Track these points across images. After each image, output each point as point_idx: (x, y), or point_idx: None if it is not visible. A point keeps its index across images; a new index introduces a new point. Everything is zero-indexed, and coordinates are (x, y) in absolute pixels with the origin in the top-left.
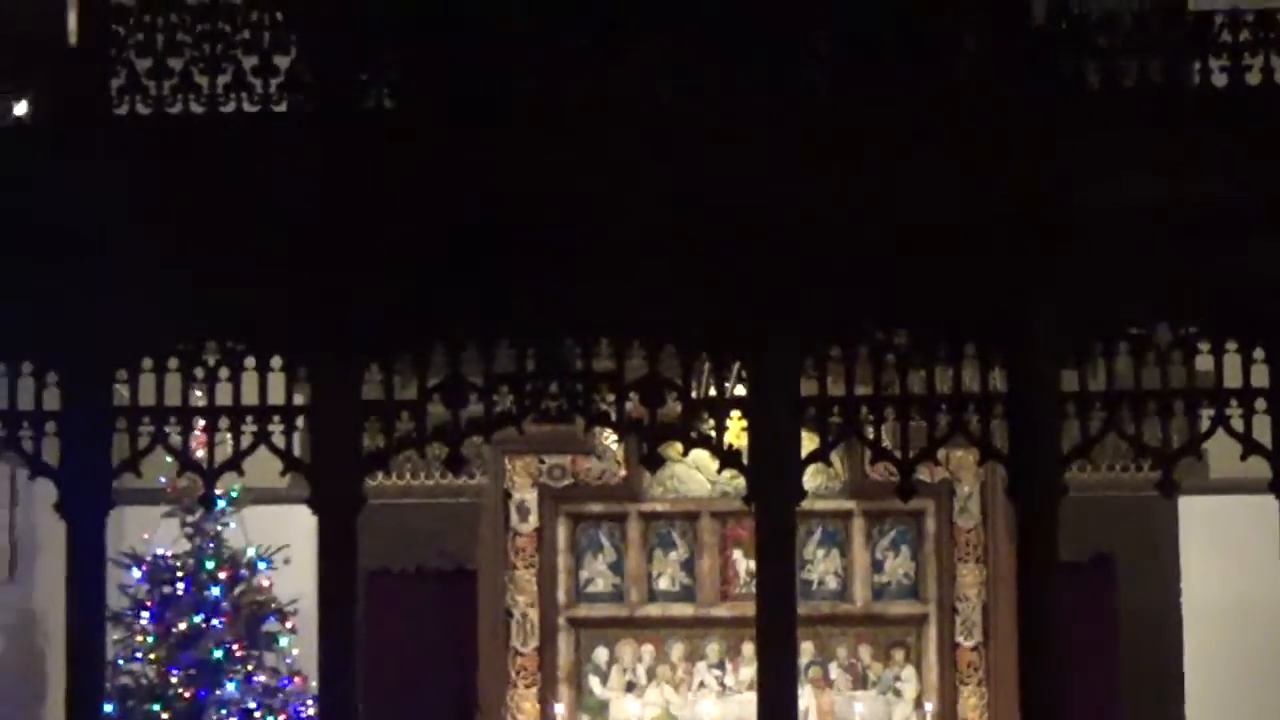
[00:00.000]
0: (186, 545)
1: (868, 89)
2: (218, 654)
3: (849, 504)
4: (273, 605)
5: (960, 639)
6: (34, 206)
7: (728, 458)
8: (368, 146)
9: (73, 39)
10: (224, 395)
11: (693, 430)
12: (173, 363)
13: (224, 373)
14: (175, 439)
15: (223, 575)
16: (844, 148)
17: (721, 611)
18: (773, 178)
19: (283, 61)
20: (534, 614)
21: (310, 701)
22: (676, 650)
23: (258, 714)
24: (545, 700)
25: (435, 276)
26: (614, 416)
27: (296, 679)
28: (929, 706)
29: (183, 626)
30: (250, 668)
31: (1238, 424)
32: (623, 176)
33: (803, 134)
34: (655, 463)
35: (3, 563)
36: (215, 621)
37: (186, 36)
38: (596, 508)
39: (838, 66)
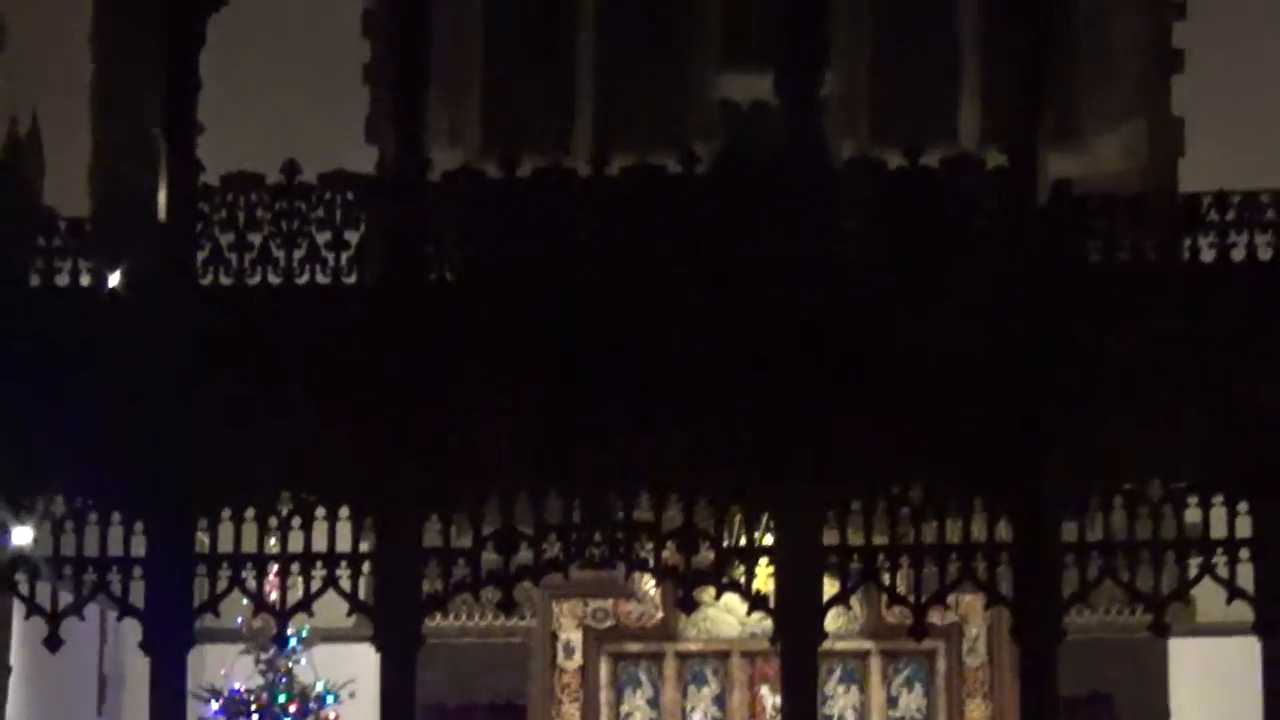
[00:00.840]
0: (260, 680)
1: (891, 261)
2: None
3: (867, 644)
4: None
5: None
6: (128, 369)
7: (756, 601)
8: (430, 315)
9: (163, 215)
10: (296, 542)
11: (724, 576)
12: (249, 513)
13: (296, 521)
14: (251, 583)
15: (293, 708)
16: (867, 316)
17: None
18: (799, 348)
19: (353, 236)
20: None
21: None
22: None
23: None
24: None
25: (490, 434)
26: (652, 563)
27: None
28: None
29: None
30: None
31: (1223, 571)
32: (659, 351)
33: (830, 303)
34: (690, 606)
35: (93, 696)
36: None
37: (265, 214)
38: (636, 647)
39: (863, 244)
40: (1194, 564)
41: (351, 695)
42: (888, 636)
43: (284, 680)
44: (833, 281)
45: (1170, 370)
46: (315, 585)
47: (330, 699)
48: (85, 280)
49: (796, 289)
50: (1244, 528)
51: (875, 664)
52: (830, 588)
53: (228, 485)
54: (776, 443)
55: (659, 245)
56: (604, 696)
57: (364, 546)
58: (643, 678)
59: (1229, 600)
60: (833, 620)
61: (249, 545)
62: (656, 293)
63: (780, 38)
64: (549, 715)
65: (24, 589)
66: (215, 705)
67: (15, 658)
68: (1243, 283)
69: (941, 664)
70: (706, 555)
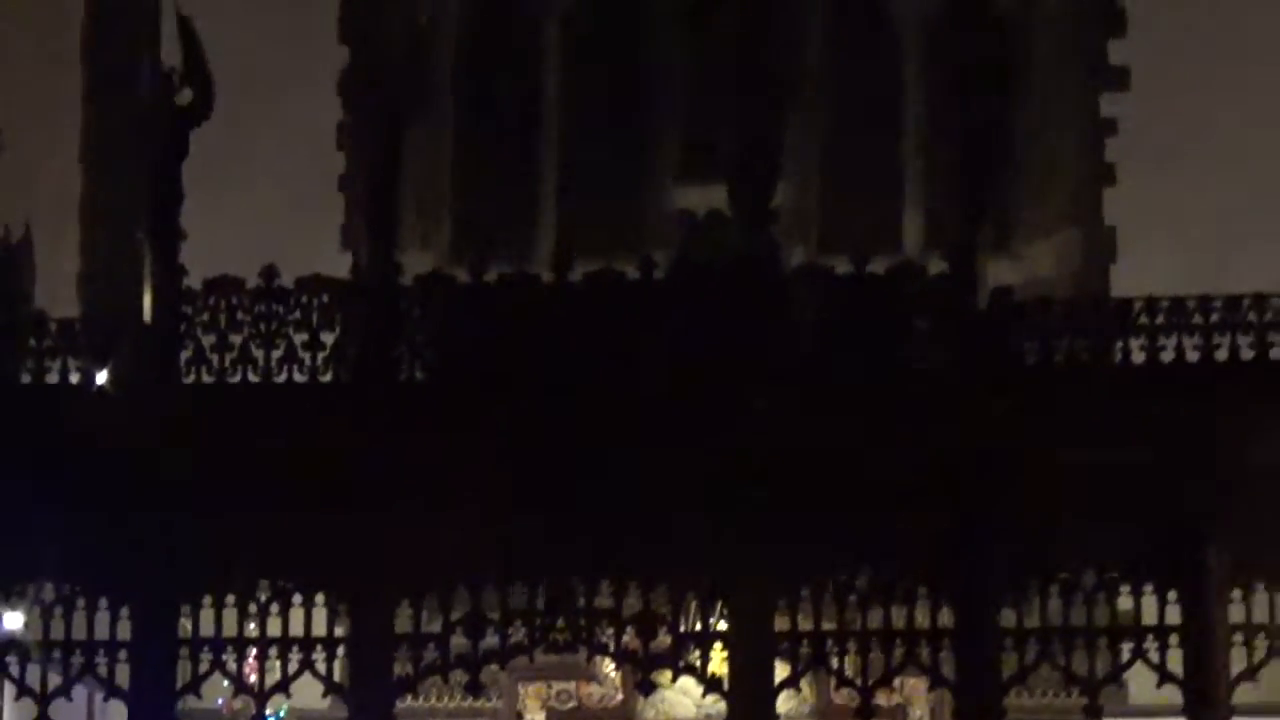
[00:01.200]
0: None
1: (839, 363)
2: None
3: None
4: None
5: None
6: (115, 463)
7: (711, 685)
8: (402, 413)
9: (148, 317)
10: (274, 627)
11: (681, 660)
12: (230, 599)
13: (274, 608)
14: (231, 665)
15: None
16: (814, 419)
17: None
18: (750, 450)
19: (329, 337)
20: None
21: None
22: None
23: None
24: None
25: (458, 524)
26: (613, 648)
27: None
28: None
29: None
30: None
31: (1154, 656)
32: (619, 448)
33: (780, 403)
34: (648, 689)
35: None
36: None
37: (245, 316)
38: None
39: (813, 347)
40: (1126, 649)
41: None
42: (836, 717)
43: None
44: (783, 383)
45: (1104, 466)
46: (292, 668)
47: None
48: (75, 378)
49: (748, 390)
50: (1173, 615)
51: None
52: (781, 671)
53: (209, 573)
54: (730, 535)
55: (619, 348)
56: None
57: (339, 631)
58: None
59: (1159, 684)
60: (784, 702)
61: (230, 630)
62: (616, 393)
63: (733, 156)
64: None
65: (14, 671)
66: None
67: None
68: (1172, 383)
69: None
70: (664, 640)
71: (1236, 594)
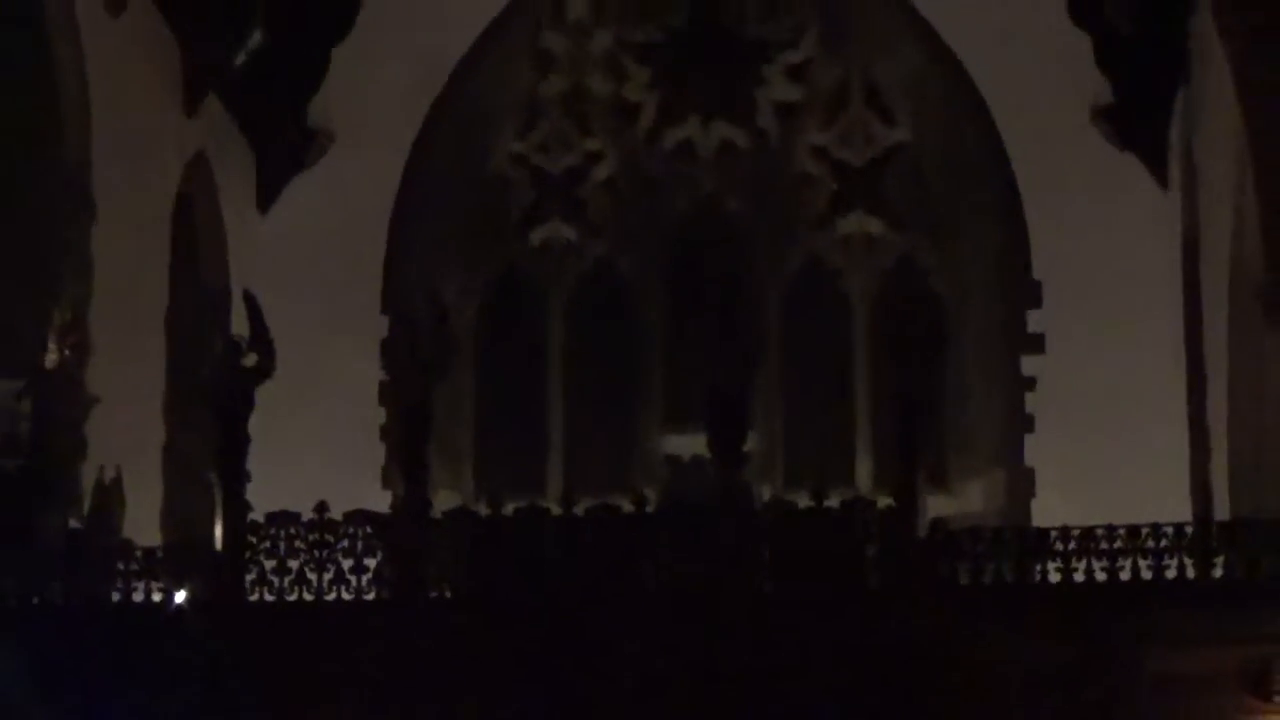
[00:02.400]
0: None
1: (801, 585)
2: None
3: None
4: None
5: None
6: (191, 669)
7: None
8: (432, 625)
9: (219, 545)
10: None
11: None
12: None
13: None
14: None
15: None
16: (782, 634)
17: None
18: (725, 657)
19: (371, 561)
20: None
21: None
22: None
23: None
24: None
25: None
26: None
27: None
28: None
29: None
30: None
31: None
32: (612, 653)
33: (749, 621)
34: None
35: None
36: None
37: (301, 544)
38: None
39: (777, 571)
40: None
41: None
42: None
43: None
44: (751, 605)
45: (1023, 669)
46: None
47: None
48: (156, 597)
49: (722, 610)
50: None
51: None
52: None
53: None
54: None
55: (615, 570)
56: None
57: None
58: None
59: None
60: None
61: None
62: (612, 608)
63: (711, 410)
64: None
65: None
66: None
67: None
68: (1082, 599)
69: None
70: None
71: None
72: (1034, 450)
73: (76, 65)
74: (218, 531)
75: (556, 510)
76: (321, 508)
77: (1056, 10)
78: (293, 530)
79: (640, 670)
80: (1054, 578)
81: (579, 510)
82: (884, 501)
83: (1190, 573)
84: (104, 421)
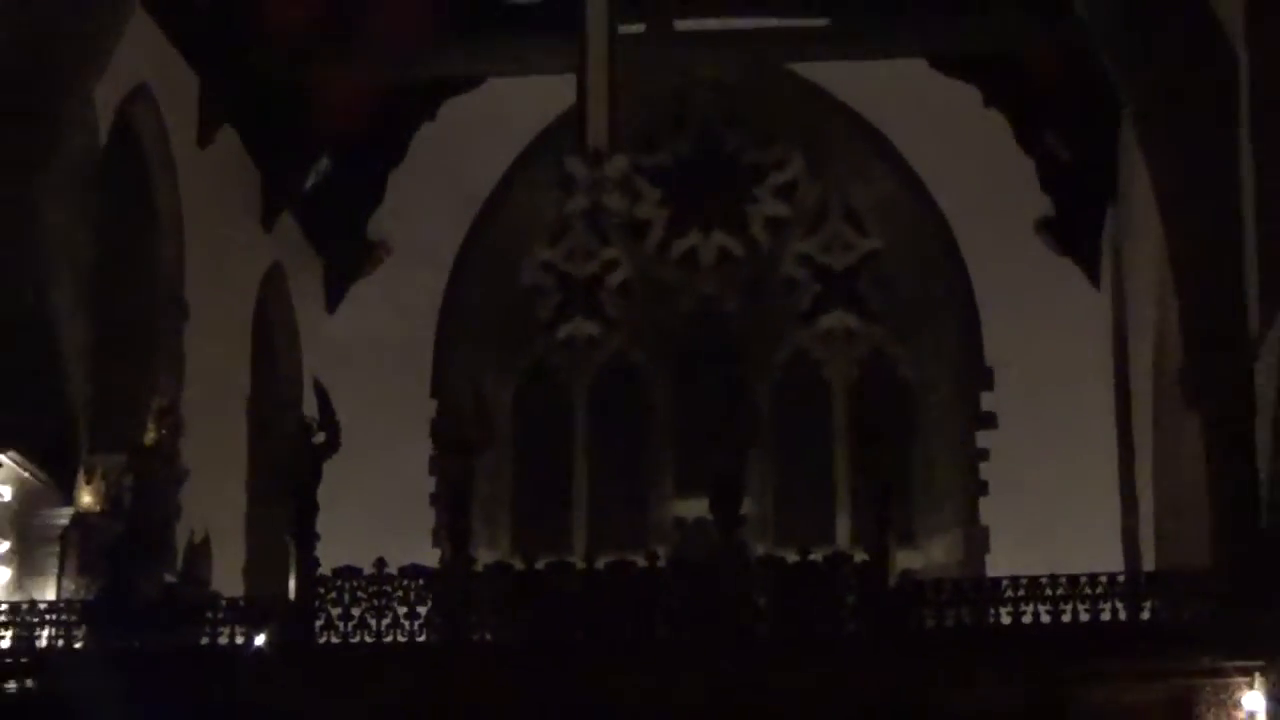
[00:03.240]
0: None
1: (790, 629)
2: None
3: None
4: None
5: None
6: (268, 699)
7: None
8: (474, 666)
9: (292, 595)
10: None
11: None
12: None
13: None
14: None
15: None
16: (775, 673)
17: None
18: (729, 690)
19: (423, 609)
20: None
21: None
22: None
23: None
24: None
25: None
26: None
27: None
28: None
29: None
30: None
31: None
32: (627, 692)
33: (745, 666)
34: None
35: None
36: None
37: (363, 594)
38: None
39: (771, 617)
40: None
41: None
42: None
43: None
44: (748, 647)
45: (979, 702)
46: None
47: None
48: (239, 640)
49: (722, 652)
50: None
51: None
52: None
53: None
54: None
55: (630, 616)
56: None
57: None
58: None
59: None
60: None
61: None
62: (627, 649)
63: (713, 481)
64: None
65: None
66: None
67: None
68: (1030, 640)
69: None
70: None
71: None
72: (988, 511)
73: (171, 189)
74: (291, 584)
75: (580, 565)
76: (380, 564)
77: (1004, 139)
78: (355, 583)
79: (651, 701)
80: (1005, 620)
81: (600, 565)
82: (860, 556)
83: (1122, 615)
84: (195, 491)
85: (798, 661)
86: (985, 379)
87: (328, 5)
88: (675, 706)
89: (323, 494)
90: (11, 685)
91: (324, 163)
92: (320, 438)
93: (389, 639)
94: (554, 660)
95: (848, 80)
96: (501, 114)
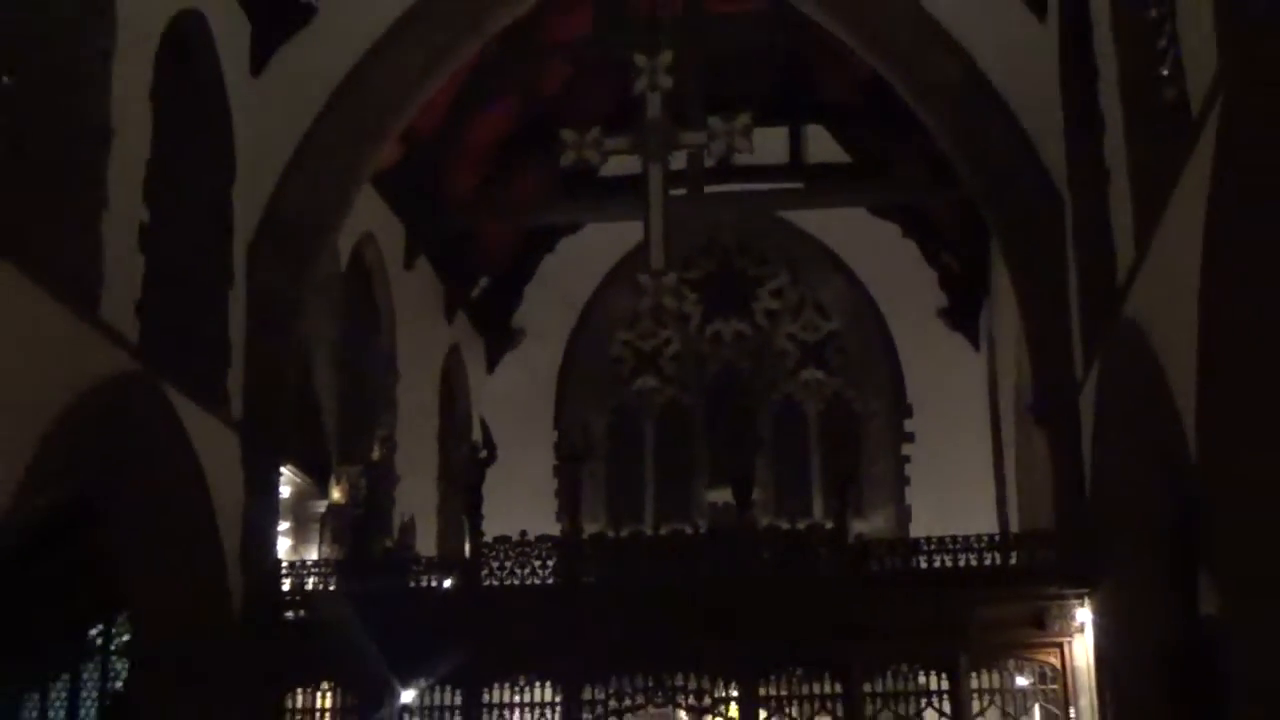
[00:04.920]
0: None
1: (780, 569)
2: None
3: None
4: None
5: None
6: (449, 625)
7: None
8: (583, 601)
9: (467, 554)
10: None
11: (713, 711)
12: (507, 685)
13: (527, 692)
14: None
15: None
16: (775, 602)
17: None
18: (743, 613)
19: (551, 563)
20: None
21: None
22: None
23: None
24: None
25: (609, 651)
26: (684, 704)
27: None
28: None
29: None
30: None
31: (936, 705)
32: (680, 620)
33: (755, 598)
34: None
35: None
36: None
37: (512, 554)
38: None
39: (773, 568)
40: (923, 701)
41: None
42: None
43: None
44: (757, 585)
45: (905, 620)
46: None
47: None
48: (433, 584)
49: (741, 588)
50: (945, 684)
51: None
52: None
53: (496, 674)
54: (733, 654)
55: (682, 565)
56: None
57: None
58: None
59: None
60: None
61: (508, 698)
62: (677, 582)
63: (734, 479)
64: None
65: None
66: None
67: None
68: (938, 580)
69: None
70: (706, 699)
71: (975, 675)
72: (910, 495)
73: (388, 296)
74: (466, 547)
75: (649, 532)
76: (522, 534)
77: (916, 257)
78: (506, 547)
79: (699, 614)
80: (923, 566)
81: (662, 532)
82: (829, 525)
83: (997, 561)
84: (404, 489)
85: (789, 593)
86: (907, 411)
87: (486, 179)
88: (709, 621)
89: (486, 489)
90: (290, 614)
91: (484, 280)
92: (483, 455)
93: (528, 583)
94: (632, 593)
95: (816, 222)
96: (596, 248)
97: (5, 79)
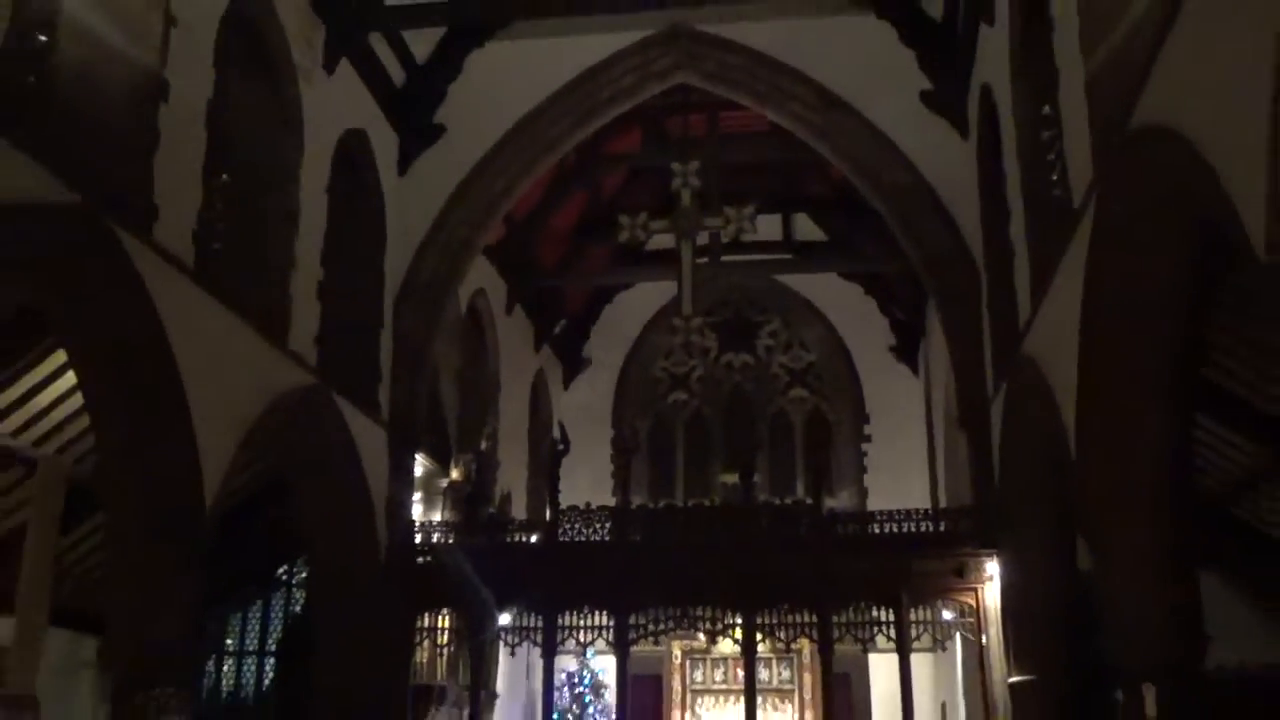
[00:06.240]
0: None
1: (776, 539)
2: None
3: (768, 654)
4: None
5: None
6: (527, 568)
7: (736, 641)
8: (627, 552)
9: (547, 518)
10: (587, 621)
11: (725, 632)
12: (573, 611)
13: (589, 615)
14: (578, 637)
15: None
16: (769, 556)
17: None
18: (744, 563)
19: (607, 525)
20: (677, 686)
21: None
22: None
23: None
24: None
25: (650, 584)
26: (703, 628)
27: None
28: None
29: None
30: None
31: (885, 632)
32: (699, 567)
33: (758, 555)
34: (714, 641)
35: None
36: None
37: (578, 519)
38: (697, 655)
39: (768, 533)
40: (874, 630)
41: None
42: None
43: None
44: (755, 544)
45: (864, 569)
46: (594, 636)
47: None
48: (523, 540)
49: (744, 548)
50: (890, 616)
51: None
52: (760, 638)
53: (565, 603)
54: (736, 591)
55: (703, 529)
56: (680, 672)
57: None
58: (699, 669)
59: (887, 641)
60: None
61: (574, 623)
62: (699, 539)
63: (740, 468)
64: (672, 677)
65: (507, 639)
66: (562, 678)
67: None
68: (888, 542)
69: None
70: (718, 626)
71: (913, 610)
72: (868, 480)
73: (494, 333)
74: (547, 513)
75: (680, 505)
76: (588, 505)
77: (874, 310)
78: (576, 513)
79: (714, 563)
80: (876, 531)
81: (689, 504)
82: (808, 501)
83: (930, 528)
84: (504, 471)
85: (778, 552)
86: (866, 419)
87: (564, 251)
88: (721, 569)
89: (562, 473)
90: (420, 559)
91: (562, 322)
92: (561, 448)
93: (591, 540)
94: (666, 549)
95: (802, 284)
96: (644, 301)
97: (225, 177)
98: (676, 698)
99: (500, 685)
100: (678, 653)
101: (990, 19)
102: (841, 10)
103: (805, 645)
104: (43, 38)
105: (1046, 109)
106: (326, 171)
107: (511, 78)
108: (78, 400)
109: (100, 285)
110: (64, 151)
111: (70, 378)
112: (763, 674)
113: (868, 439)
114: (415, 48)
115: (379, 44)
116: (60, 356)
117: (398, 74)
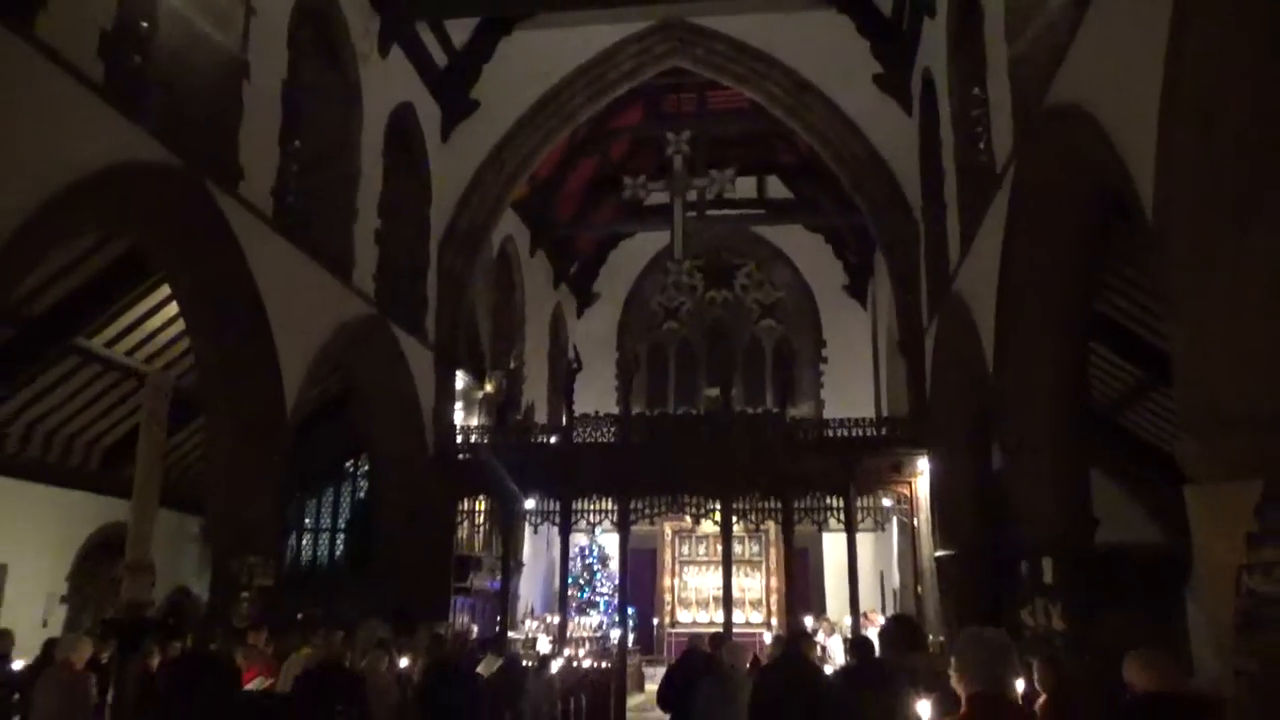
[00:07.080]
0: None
1: (752, 442)
2: None
3: (742, 534)
4: None
5: None
6: (548, 460)
7: (716, 523)
8: (628, 451)
9: (563, 423)
10: (596, 506)
11: (708, 516)
12: (582, 497)
13: (597, 501)
14: (588, 519)
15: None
16: (745, 457)
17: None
18: (721, 462)
19: (614, 430)
20: (668, 558)
21: None
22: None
23: None
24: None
25: (647, 476)
26: (689, 512)
27: None
28: None
29: None
30: None
31: (837, 516)
32: (690, 460)
33: (733, 455)
34: (697, 521)
35: (547, 557)
36: None
37: (588, 425)
38: (684, 533)
39: (740, 441)
40: (829, 516)
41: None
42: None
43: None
44: (739, 448)
45: (822, 467)
46: (599, 519)
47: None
48: (545, 440)
49: (723, 447)
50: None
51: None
52: (736, 522)
53: (577, 490)
54: (719, 484)
55: (689, 430)
56: (671, 547)
57: (614, 508)
58: (685, 544)
59: (838, 523)
60: (737, 527)
61: (583, 508)
62: (686, 441)
63: (721, 382)
64: (664, 551)
65: (531, 521)
66: (575, 551)
67: (525, 556)
68: (840, 445)
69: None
70: (702, 511)
71: (860, 499)
72: (825, 394)
73: (520, 273)
74: (563, 418)
75: (670, 413)
76: (597, 412)
77: (830, 256)
78: (587, 419)
79: (699, 461)
80: (830, 435)
81: (680, 412)
82: (775, 410)
83: (875, 433)
84: (529, 385)
85: (751, 452)
86: (824, 344)
87: (578, 206)
88: (705, 465)
89: (576, 387)
90: (460, 456)
91: (576, 264)
92: (575, 367)
93: (600, 441)
94: (660, 448)
95: (773, 234)
96: (644, 246)
97: (297, 143)
98: (667, 567)
99: (526, 556)
100: (669, 531)
101: (931, 12)
102: (808, 5)
103: (771, 526)
104: (144, 24)
105: (976, 90)
106: (381, 138)
107: (535, 61)
108: (180, 326)
109: (198, 232)
110: (166, 122)
111: (173, 308)
112: (737, 548)
113: (825, 360)
114: (454, 35)
115: (424, 31)
116: (164, 290)
117: (440, 57)
